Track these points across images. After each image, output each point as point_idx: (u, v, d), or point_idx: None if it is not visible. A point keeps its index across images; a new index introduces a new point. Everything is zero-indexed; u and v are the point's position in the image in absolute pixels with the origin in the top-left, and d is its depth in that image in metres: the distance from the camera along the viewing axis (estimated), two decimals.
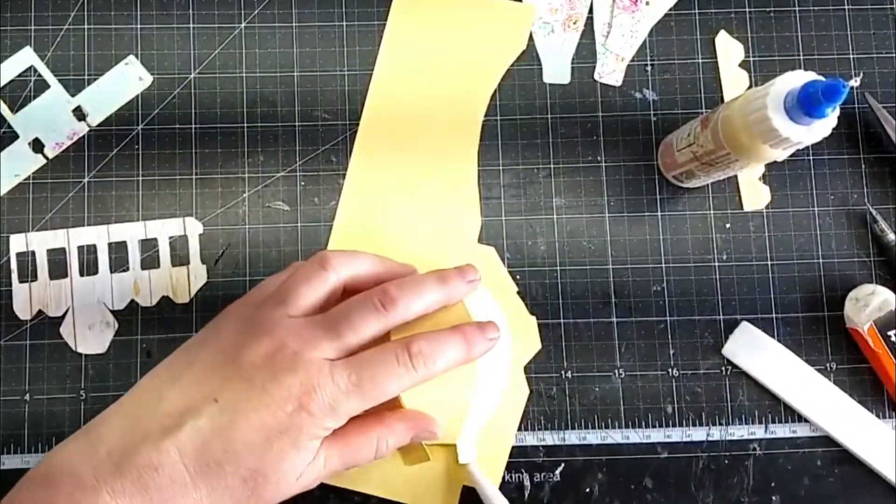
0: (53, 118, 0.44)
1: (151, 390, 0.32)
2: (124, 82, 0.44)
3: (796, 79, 0.32)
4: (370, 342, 0.33)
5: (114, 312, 0.42)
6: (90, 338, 0.42)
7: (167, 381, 0.32)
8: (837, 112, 0.32)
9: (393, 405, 0.36)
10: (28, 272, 0.43)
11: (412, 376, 0.33)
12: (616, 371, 0.43)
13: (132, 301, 0.42)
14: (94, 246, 0.43)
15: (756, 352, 0.42)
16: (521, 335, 0.42)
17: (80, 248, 0.43)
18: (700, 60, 0.45)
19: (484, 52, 0.44)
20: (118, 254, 0.43)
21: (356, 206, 0.43)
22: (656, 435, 0.42)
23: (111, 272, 0.43)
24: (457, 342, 0.34)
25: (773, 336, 0.43)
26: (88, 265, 0.43)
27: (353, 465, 0.34)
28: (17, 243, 0.43)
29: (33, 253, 0.43)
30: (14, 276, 0.42)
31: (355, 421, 0.34)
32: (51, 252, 0.43)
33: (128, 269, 0.43)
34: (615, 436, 0.42)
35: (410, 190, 0.43)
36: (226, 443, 0.30)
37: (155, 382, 0.33)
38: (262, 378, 0.31)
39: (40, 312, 0.42)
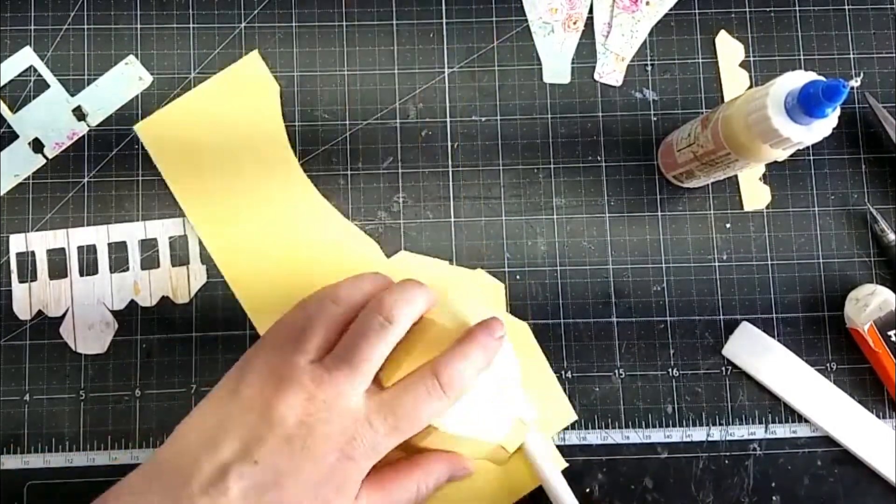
0: (53, 118, 0.44)
1: (186, 452, 0.32)
2: (124, 82, 0.44)
3: (796, 79, 0.32)
4: None
5: (114, 313, 0.42)
6: (90, 338, 0.42)
7: (201, 443, 0.32)
8: (838, 112, 0.32)
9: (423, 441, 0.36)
10: (28, 272, 0.43)
11: (445, 403, 0.33)
12: (616, 371, 0.43)
13: (132, 301, 0.42)
14: (94, 246, 0.43)
15: (756, 352, 0.42)
16: (551, 407, 0.42)
17: (80, 249, 0.43)
18: (700, 60, 0.45)
19: (251, 112, 0.44)
20: (118, 254, 0.43)
21: (251, 278, 0.43)
22: (656, 435, 0.42)
23: (111, 272, 0.43)
24: (475, 352, 0.34)
25: (773, 336, 0.43)
26: (88, 265, 0.43)
27: None
28: (17, 243, 0.43)
29: (33, 253, 0.43)
30: (14, 276, 0.42)
31: (393, 466, 0.35)
32: (50, 252, 0.43)
33: (128, 269, 0.43)
34: (615, 436, 0.42)
35: (289, 254, 0.43)
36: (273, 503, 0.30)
37: (189, 443, 0.32)
38: (301, 435, 0.31)
39: (40, 313, 0.42)
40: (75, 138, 0.44)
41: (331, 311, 0.35)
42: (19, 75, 0.44)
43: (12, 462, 0.41)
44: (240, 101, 0.44)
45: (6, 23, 0.44)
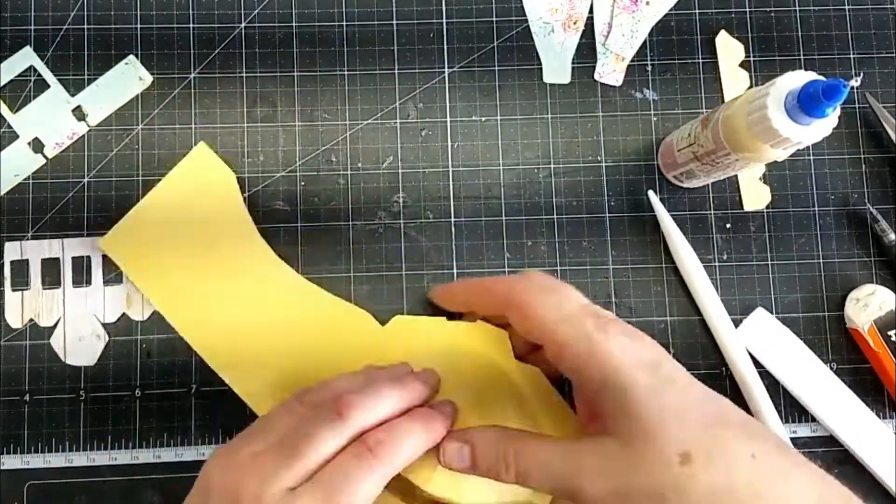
0: (53, 118, 0.44)
1: None
2: (124, 82, 0.44)
3: (797, 79, 0.32)
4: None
5: (105, 325, 0.42)
6: (80, 349, 0.42)
7: None
8: (838, 112, 0.32)
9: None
10: (21, 281, 0.42)
11: (378, 470, 0.30)
12: None
13: (123, 314, 0.42)
14: (89, 257, 0.42)
15: (768, 338, 0.42)
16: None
17: (75, 259, 0.42)
18: (700, 60, 0.45)
19: (211, 202, 0.43)
20: (112, 266, 0.42)
21: (245, 370, 0.41)
22: None
23: (104, 284, 0.42)
24: (411, 423, 0.32)
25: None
26: (82, 276, 0.42)
27: None
28: (12, 251, 0.42)
29: (27, 261, 0.42)
30: (7, 283, 0.42)
31: None
32: (45, 261, 0.42)
33: (121, 281, 0.42)
34: None
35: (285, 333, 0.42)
36: None
37: None
38: None
39: (32, 321, 0.42)
40: (75, 138, 0.44)
41: (336, 431, 0.32)
42: (19, 75, 0.44)
43: (12, 462, 0.41)
44: (197, 194, 0.42)
45: (6, 23, 0.44)
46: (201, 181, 0.43)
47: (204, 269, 0.42)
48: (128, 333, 0.42)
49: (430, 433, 0.33)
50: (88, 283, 0.42)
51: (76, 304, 0.42)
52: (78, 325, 0.42)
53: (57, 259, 0.42)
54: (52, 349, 0.42)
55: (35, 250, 0.43)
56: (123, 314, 0.42)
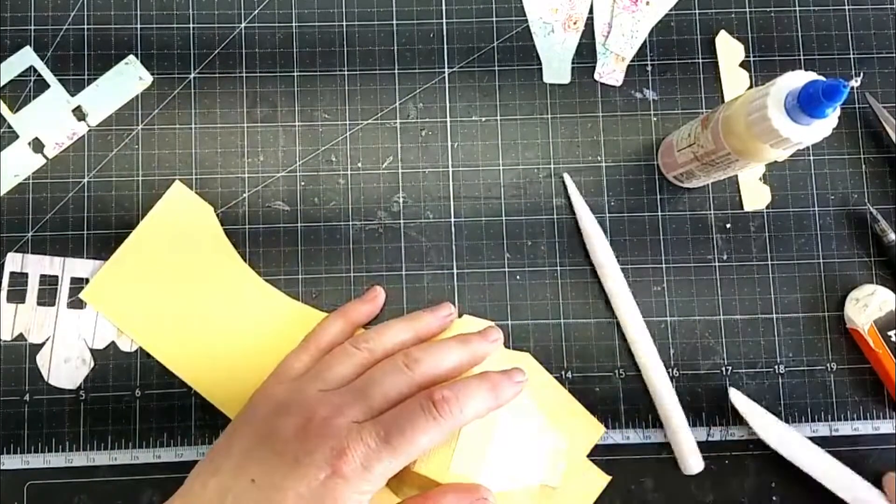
0: (53, 118, 0.44)
1: (196, 482, 0.33)
2: (124, 82, 0.44)
3: (797, 79, 0.32)
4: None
5: (92, 351, 0.42)
6: (64, 372, 0.42)
7: (210, 471, 0.33)
8: (838, 112, 0.32)
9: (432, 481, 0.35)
10: (17, 294, 0.42)
11: (440, 424, 0.32)
12: (616, 371, 0.43)
13: (112, 343, 0.42)
14: (88, 280, 0.42)
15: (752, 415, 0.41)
16: (578, 426, 0.42)
17: (74, 280, 0.42)
18: (700, 60, 0.45)
19: (192, 238, 0.42)
20: None
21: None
22: (656, 435, 0.42)
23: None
24: (479, 385, 0.34)
25: (772, 336, 0.43)
26: (78, 298, 0.42)
27: None
28: (13, 263, 0.42)
29: (26, 275, 0.42)
30: (3, 294, 0.42)
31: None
32: (43, 278, 0.42)
33: None
34: (615, 436, 0.42)
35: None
36: None
37: (200, 475, 0.34)
38: (294, 450, 0.32)
39: (21, 336, 0.42)
40: (75, 138, 0.44)
41: (351, 353, 0.36)
42: (19, 75, 0.44)
43: (12, 462, 0.41)
44: (178, 233, 0.42)
45: (6, 23, 0.44)
46: (180, 219, 0.43)
47: (192, 306, 0.42)
48: (115, 359, 0.42)
49: (495, 398, 0.34)
50: (83, 306, 0.42)
51: (67, 326, 0.42)
52: (65, 347, 0.42)
53: (56, 277, 0.42)
54: (38, 366, 0.42)
55: (35, 265, 0.42)
56: (112, 342, 0.42)
